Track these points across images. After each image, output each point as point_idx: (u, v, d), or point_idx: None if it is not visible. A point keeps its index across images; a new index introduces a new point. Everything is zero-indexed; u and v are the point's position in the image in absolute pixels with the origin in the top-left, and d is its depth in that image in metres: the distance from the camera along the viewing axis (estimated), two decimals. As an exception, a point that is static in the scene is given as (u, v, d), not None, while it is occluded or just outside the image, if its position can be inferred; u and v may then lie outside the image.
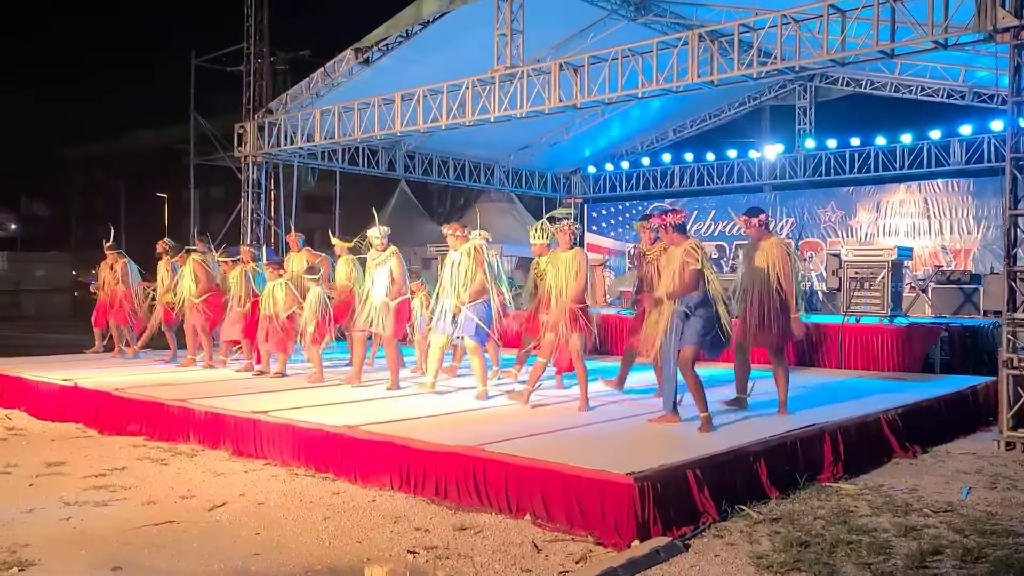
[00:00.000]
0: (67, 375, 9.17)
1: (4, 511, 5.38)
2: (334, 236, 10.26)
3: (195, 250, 10.66)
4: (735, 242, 17.45)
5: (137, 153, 43.36)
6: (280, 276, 9.34)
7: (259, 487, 5.98)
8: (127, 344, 11.73)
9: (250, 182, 15.92)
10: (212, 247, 10.78)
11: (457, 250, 7.94)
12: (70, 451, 7.22)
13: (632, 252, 8.41)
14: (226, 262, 10.39)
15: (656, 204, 17.53)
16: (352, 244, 10.21)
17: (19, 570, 4.36)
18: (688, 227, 6.93)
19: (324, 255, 10.07)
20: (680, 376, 6.55)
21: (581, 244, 20.12)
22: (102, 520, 5.22)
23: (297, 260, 10.51)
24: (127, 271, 11.64)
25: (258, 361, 9.71)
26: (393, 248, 8.59)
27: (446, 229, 8.21)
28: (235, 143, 15.96)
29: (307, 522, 5.18)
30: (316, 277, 9.06)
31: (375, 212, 9.22)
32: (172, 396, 7.85)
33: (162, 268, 11.12)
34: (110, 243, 11.89)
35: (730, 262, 17.35)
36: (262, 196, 16.35)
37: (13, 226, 45.64)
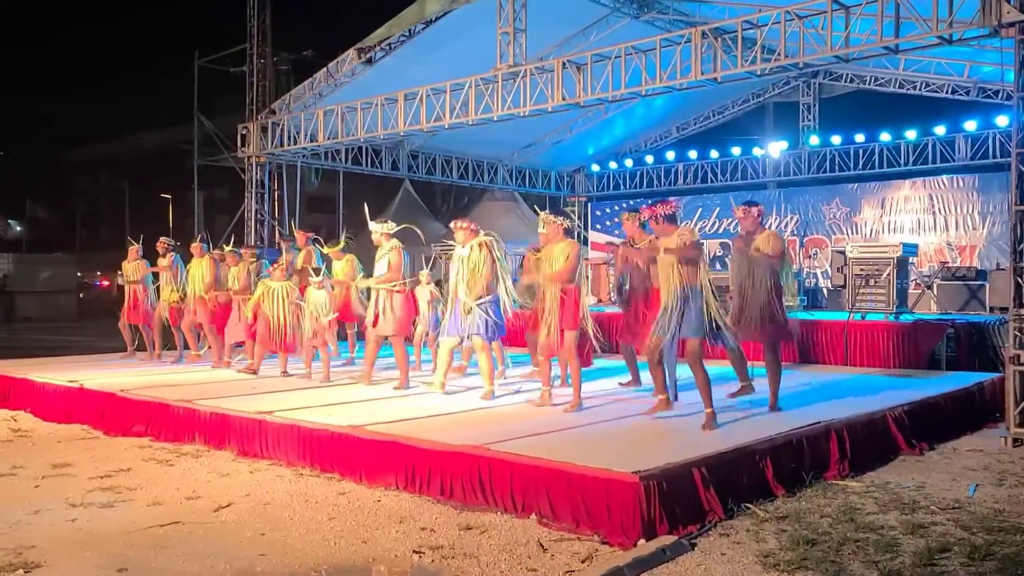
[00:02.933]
0: (73, 376, 9.20)
1: (10, 513, 5.38)
2: (324, 246, 10.19)
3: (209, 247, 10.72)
4: (739, 239, 17.37)
5: (141, 154, 43.37)
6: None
7: (264, 487, 5.98)
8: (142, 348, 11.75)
9: (254, 182, 15.93)
10: (214, 245, 10.81)
11: (465, 245, 7.81)
12: (76, 452, 7.22)
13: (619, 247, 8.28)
14: (222, 255, 10.39)
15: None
16: (342, 245, 10.14)
17: (25, 571, 4.37)
18: (690, 222, 6.92)
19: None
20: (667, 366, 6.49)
21: (585, 242, 20.23)
22: (108, 521, 5.23)
23: (299, 258, 10.54)
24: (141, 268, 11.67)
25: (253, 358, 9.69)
26: (395, 243, 8.49)
27: (454, 224, 8.04)
28: (238, 144, 15.96)
29: (312, 522, 5.18)
30: (319, 280, 9.04)
31: (366, 207, 9.08)
32: (177, 397, 7.86)
33: (163, 264, 11.16)
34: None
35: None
36: (266, 196, 16.36)
37: (18, 228, 45.73)
